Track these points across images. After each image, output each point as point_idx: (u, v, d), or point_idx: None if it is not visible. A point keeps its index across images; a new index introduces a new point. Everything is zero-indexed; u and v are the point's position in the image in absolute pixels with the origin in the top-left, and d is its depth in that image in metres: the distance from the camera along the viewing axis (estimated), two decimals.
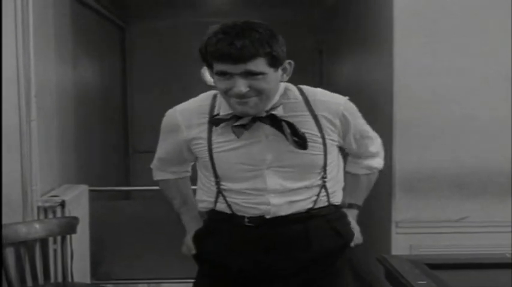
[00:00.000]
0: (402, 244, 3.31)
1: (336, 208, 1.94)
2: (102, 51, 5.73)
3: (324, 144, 1.83)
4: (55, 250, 3.20)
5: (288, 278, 1.86)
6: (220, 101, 1.82)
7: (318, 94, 1.86)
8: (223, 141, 1.81)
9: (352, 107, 1.89)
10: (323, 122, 1.82)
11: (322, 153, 1.83)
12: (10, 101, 3.05)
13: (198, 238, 1.98)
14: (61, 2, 3.91)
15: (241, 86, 1.67)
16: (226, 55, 1.64)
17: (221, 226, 1.90)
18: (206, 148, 1.83)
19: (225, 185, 1.85)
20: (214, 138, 1.82)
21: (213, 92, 1.88)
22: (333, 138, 1.85)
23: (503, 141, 3.28)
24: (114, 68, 6.50)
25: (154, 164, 2.07)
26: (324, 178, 1.86)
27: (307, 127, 1.80)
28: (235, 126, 1.74)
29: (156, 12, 6.69)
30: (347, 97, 1.89)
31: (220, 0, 6.24)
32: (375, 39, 3.82)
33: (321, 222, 1.88)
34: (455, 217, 3.32)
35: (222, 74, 1.69)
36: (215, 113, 1.82)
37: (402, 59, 3.29)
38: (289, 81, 1.85)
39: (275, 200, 1.82)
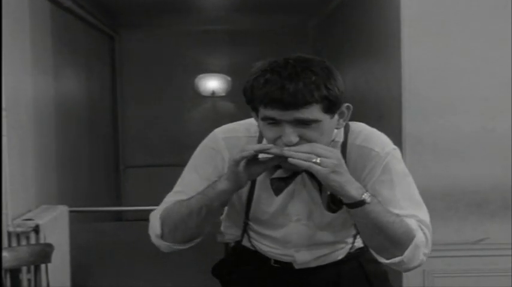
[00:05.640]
0: (414, 269, 3.04)
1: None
2: (89, 61, 5.49)
3: None
4: (29, 280, 2.93)
5: None
6: None
7: (360, 138, 1.56)
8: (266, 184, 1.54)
9: (397, 162, 1.56)
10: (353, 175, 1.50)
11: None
12: None
13: (223, 269, 1.81)
14: (40, 8, 3.65)
15: (291, 135, 1.41)
16: (276, 101, 1.38)
17: (247, 261, 1.74)
18: (247, 188, 1.57)
19: (252, 226, 1.67)
20: (259, 179, 1.55)
21: None
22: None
23: None
24: (103, 78, 6.25)
25: (166, 201, 1.61)
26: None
27: None
28: (275, 179, 1.47)
29: (146, 21, 6.51)
30: (395, 147, 1.58)
31: (212, 7, 5.99)
32: (380, 46, 3.59)
33: (354, 266, 1.72)
34: (472, 238, 3.08)
35: (270, 121, 1.43)
36: None
37: (412, 65, 3.04)
38: None
39: (300, 254, 1.65)
